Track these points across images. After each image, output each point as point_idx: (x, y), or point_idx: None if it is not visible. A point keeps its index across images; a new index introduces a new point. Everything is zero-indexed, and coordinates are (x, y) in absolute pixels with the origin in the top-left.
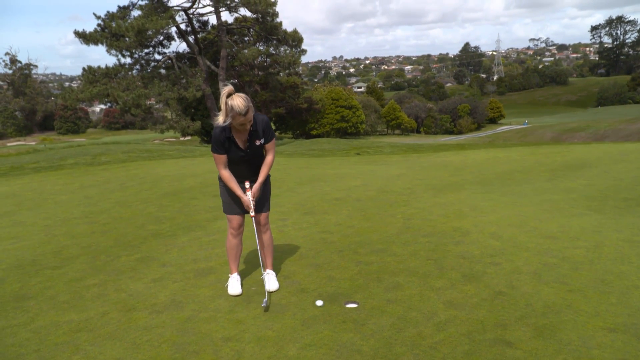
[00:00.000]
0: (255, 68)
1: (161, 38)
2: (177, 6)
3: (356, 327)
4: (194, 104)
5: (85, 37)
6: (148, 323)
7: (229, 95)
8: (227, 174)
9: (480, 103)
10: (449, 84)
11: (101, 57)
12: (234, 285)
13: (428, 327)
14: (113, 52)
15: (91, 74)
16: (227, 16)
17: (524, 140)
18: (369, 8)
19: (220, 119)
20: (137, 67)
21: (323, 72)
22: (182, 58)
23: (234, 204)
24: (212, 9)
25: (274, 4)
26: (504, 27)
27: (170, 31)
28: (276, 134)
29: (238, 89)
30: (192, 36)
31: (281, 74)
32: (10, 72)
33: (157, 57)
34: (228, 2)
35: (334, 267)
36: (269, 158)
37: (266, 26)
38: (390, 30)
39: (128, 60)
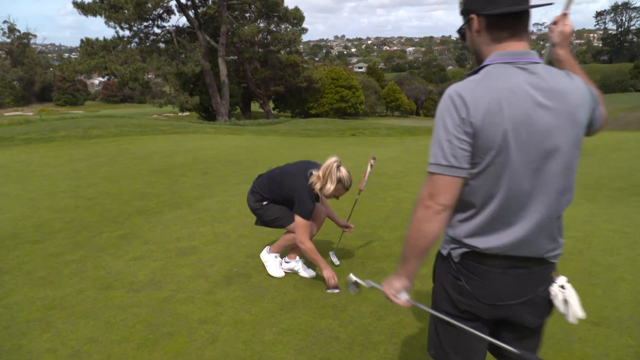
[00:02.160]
0: (255, 45)
1: (161, 11)
2: None
3: (335, 313)
4: (192, 80)
5: (84, 8)
6: (124, 302)
7: (339, 166)
8: (312, 247)
9: None
10: (450, 67)
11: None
12: (277, 268)
13: (409, 316)
14: (112, 24)
15: (89, 46)
16: None
17: None
18: None
19: (317, 185)
20: (136, 40)
21: (324, 51)
22: (181, 32)
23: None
24: None
25: None
26: None
27: (170, 4)
28: (274, 112)
29: (238, 65)
30: (193, 10)
31: (282, 52)
32: (8, 40)
33: (157, 30)
34: None
35: (317, 250)
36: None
37: (267, 3)
38: (392, 10)
39: (127, 33)
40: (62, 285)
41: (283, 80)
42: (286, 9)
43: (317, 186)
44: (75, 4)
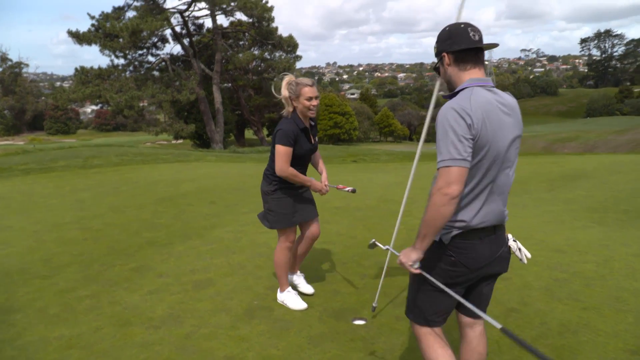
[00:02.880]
0: (249, 72)
1: (155, 40)
2: (173, 8)
3: (365, 345)
4: (186, 107)
5: (79, 37)
6: (145, 339)
7: (289, 80)
8: (292, 170)
9: None
10: (441, 92)
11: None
12: (297, 299)
13: None
14: (106, 52)
15: (84, 75)
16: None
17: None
18: (363, 15)
19: (288, 107)
20: (131, 68)
21: (317, 77)
22: (176, 60)
23: (295, 214)
24: (208, 12)
25: (270, 9)
26: (496, 37)
27: (164, 33)
28: (268, 139)
29: (231, 92)
30: (187, 39)
31: (275, 78)
32: (0, 70)
33: (151, 58)
34: (224, 6)
35: (337, 280)
36: (318, 153)
37: (262, 31)
38: (383, 37)
39: (121, 61)
40: (78, 323)
41: (277, 107)
42: (280, 36)
43: (289, 108)
44: (70, 33)
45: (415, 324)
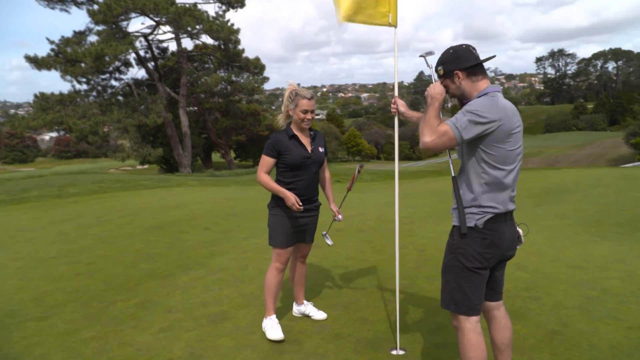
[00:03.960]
0: (215, 95)
1: (119, 64)
2: (137, 32)
3: None
4: (152, 132)
5: (37, 62)
6: None
7: (291, 89)
8: (267, 177)
9: None
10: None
11: (50, 83)
12: (276, 328)
13: None
14: (68, 77)
15: (44, 101)
16: (187, 43)
17: None
18: (324, 37)
19: (282, 117)
20: (94, 93)
21: (281, 99)
22: (140, 85)
23: (289, 235)
24: (173, 35)
25: (237, 31)
26: None
27: (128, 57)
28: (236, 162)
29: (197, 116)
30: (152, 62)
31: (243, 101)
32: None
33: (114, 83)
34: (189, 29)
35: (362, 307)
36: (327, 174)
37: (228, 53)
38: (345, 59)
39: (84, 86)
40: None
41: (244, 129)
42: (247, 58)
43: (283, 117)
44: (28, 59)
45: (460, 316)
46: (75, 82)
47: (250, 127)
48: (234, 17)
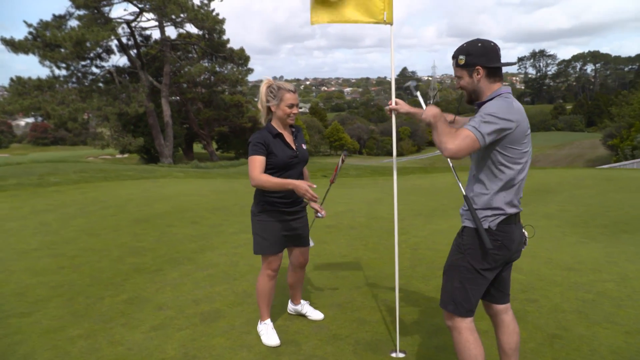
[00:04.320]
0: (198, 85)
1: (100, 51)
2: (119, 18)
3: None
4: (133, 121)
5: (14, 45)
6: None
7: (270, 84)
8: (266, 176)
9: (420, 126)
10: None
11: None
12: (271, 334)
13: None
14: (47, 63)
15: (20, 85)
16: (171, 31)
17: (462, 162)
18: (308, 31)
19: (263, 113)
20: (73, 79)
21: None
22: (122, 72)
23: (279, 241)
24: (156, 23)
25: (222, 21)
26: (438, 54)
27: (110, 44)
28: (218, 153)
29: (180, 106)
30: (134, 50)
31: (226, 92)
32: None
33: (95, 70)
34: (173, 17)
35: (359, 307)
36: (306, 172)
37: (212, 43)
38: (329, 52)
39: (63, 72)
40: None
41: (227, 120)
42: (231, 49)
43: (264, 115)
44: (4, 41)
45: (456, 317)
46: (54, 68)
47: (233, 119)
48: (218, 6)
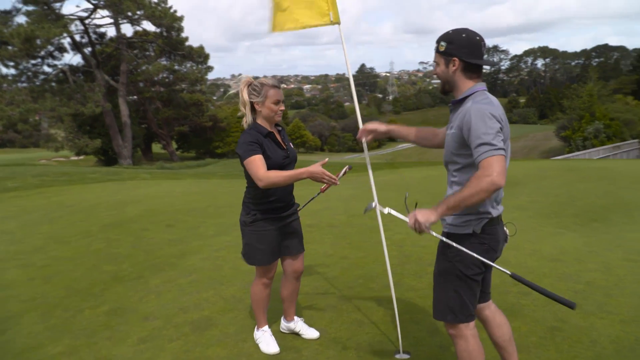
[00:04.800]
0: (157, 84)
1: (52, 49)
2: (72, 15)
3: None
4: (89, 121)
5: None
6: None
7: (249, 81)
8: (275, 172)
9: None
10: (347, 103)
11: None
12: (270, 341)
13: None
14: None
15: None
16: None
17: (424, 157)
18: (265, 28)
19: (247, 115)
20: (23, 79)
21: (222, 90)
22: (76, 71)
23: (275, 250)
24: (112, 20)
25: (180, 18)
26: (395, 50)
27: (62, 42)
28: (178, 153)
29: (138, 105)
30: (89, 48)
31: (184, 90)
32: None
33: (47, 69)
34: (130, 14)
35: (354, 308)
36: None
37: (171, 41)
38: (287, 50)
39: (12, 71)
40: None
41: (187, 120)
42: (190, 47)
43: (248, 115)
44: None
45: (459, 325)
46: (1, 66)
47: (193, 118)
48: (176, 3)
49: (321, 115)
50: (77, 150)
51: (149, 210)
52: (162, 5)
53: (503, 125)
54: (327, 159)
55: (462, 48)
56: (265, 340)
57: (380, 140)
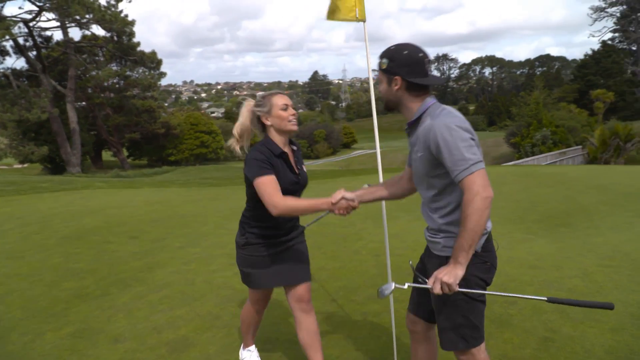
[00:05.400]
0: (107, 90)
1: None
2: (15, 16)
3: None
4: (34, 128)
5: None
6: None
7: (249, 103)
8: (292, 200)
9: (334, 129)
10: (301, 110)
11: None
12: None
13: None
14: None
15: None
16: (75, 32)
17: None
18: (217, 34)
19: (243, 142)
20: None
21: (174, 96)
22: (20, 76)
23: (273, 276)
24: (58, 23)
25: (132, 23)
26: (347, 57)
27: (4, 45)
28: (129, 160)
29: (87, 112)
30: (34, 52)
31: (136, 97)
32: None
33: None
34: (78, 18)
35: (340, 322)
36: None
37: (122, 46)
38: (239, 56)
39: None
40: None
41: (139, 126)
42: (143, 52)
43: (246, 137)
44: None
45: (472, 350)
46: None
47: (145, 125)
48: (127, 8)
49: None
50: (22, 158)
51: (109, 221)
52: (113, 9)
53: (472, 135)
54: (356, 203)
55: (403, 66)
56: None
57: (335, 147)
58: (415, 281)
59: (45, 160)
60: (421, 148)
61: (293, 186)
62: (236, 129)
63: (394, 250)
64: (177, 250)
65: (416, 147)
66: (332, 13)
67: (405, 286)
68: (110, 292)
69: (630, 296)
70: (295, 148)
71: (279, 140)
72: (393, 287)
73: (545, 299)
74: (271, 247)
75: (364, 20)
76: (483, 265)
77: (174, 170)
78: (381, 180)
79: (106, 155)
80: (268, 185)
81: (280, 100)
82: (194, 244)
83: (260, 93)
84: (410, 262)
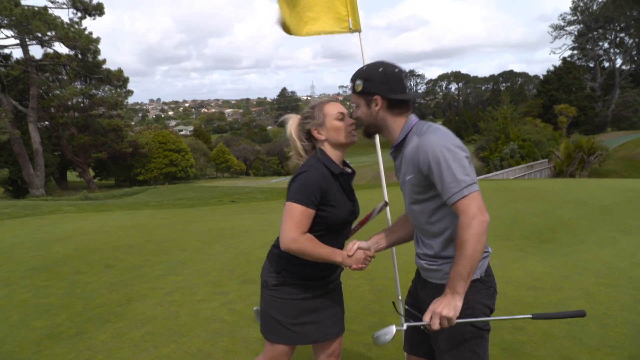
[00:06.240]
0: (71, 109)
1: None
2: None
3: None
4: None
5: None
6: None
7: (297, 117)
8: (312, 240)
9: None
10: (270, 127)
11: None
12: None
13: None
14: None
15: None
16: (36, 50)
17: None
18: (183, 52)
19: (293, 158)
20: None
21: (141, 115)
22: None
23: (303, 329)
24: (17, 41)
25: (97, 40)
26: (315, 74)
27: None
28: (96, 181)
29: (50, 132)
30: None
31: (102, 116)
32: None
33: None
34: (39, 35)
35: (344, 356)
36: None
37: (86, 64)
38: (206, 74)
39: None
40: None
41: (105, 146)
42: (108, 70)
43: (295, 153)
44: None
45: None
46: None
47: (112, 144)
48: (90, 25)
49: (245, 139)
50: None
51: (80, 249)
52: (76, 26)
53: (466, 152)
54: (373, 255)
55: (381, 84)
56: None
57: None
58: (407, 320)
59: (7, 182)
60: (410, 170)
61: (350, 216)
62: (295, 153)
63: (385, 273)
64: (157, 280)
65: (403, 170)
66: (312, 26)
67: (404, 327)
68: (86, 330)
69: (636, 318)
70: (350, 171)
71: (335, 156)
72: (394, 332)
73: (530, 316)
74: (311, 289)
75: (359, 31)
76: (487, 291)
77: (144, 191)
78: (386, 197)
79: (71, 175)
80: (301, 215)
81: (334, 108)
82: (174, 272)
83: (307, 107)
84: (393, 302)
